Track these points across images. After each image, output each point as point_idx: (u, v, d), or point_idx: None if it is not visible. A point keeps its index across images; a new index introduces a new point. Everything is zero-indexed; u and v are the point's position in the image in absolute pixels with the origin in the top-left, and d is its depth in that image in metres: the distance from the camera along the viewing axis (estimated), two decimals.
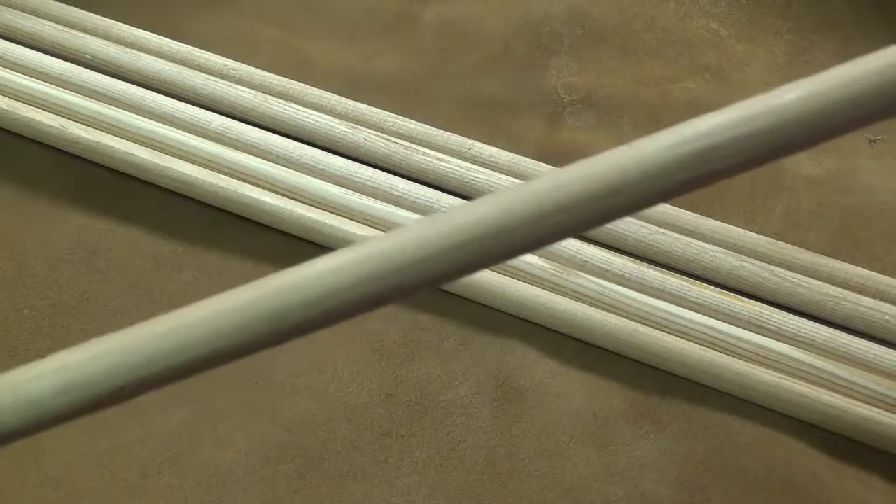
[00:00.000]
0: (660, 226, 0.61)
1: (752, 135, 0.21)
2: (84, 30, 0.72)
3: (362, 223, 0.60)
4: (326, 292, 0.22)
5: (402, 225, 0.59)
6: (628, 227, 0.60)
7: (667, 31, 0.80)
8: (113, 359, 0.22)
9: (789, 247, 0.61)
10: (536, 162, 0.65)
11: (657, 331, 0.56)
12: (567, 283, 0.58)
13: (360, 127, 0.66)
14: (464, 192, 0.63)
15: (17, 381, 0.22)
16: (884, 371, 0.55)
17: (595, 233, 0.61)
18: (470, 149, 0.66)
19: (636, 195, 0.22)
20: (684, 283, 0.58)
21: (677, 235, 0.61)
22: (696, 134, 0.22)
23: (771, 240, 0.61)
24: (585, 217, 0.22)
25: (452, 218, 0.22)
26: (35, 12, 0.73)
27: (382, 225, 0.60)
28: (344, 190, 0.62)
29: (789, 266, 0.60)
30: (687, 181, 0.22)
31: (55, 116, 0.65)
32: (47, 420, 0.22)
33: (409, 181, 0.63)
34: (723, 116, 0.22)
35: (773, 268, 0.59)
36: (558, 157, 0.68)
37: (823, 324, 0.57)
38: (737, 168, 0.22)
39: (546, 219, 0.22)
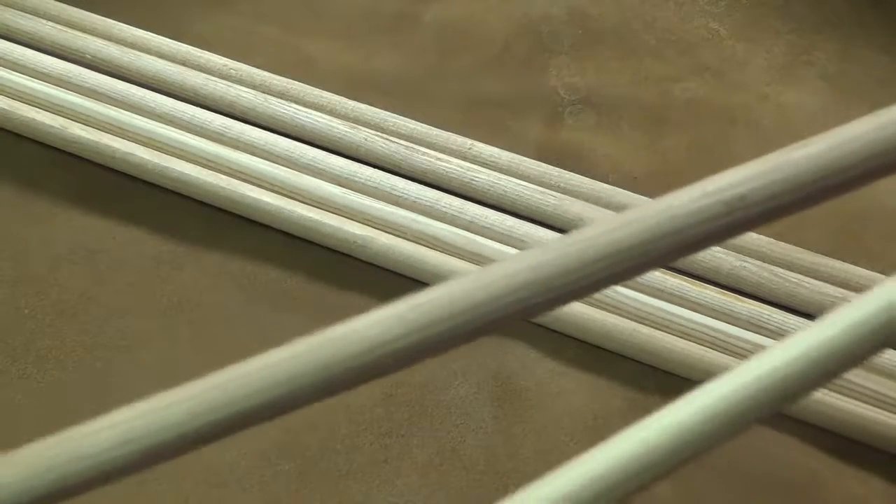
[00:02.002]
0: None
1: (777, 183, 0.24)
2: (84, 30, 0.72)
3: (362, 223, 0.60)
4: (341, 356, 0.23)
5: (402, 225, 0.59)
6: None
7: (667, 31, 0.80)
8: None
9: (789, 247, 0.61)
10: (537, 162, 0.65)
11: (657, 331, 0.56)
12: None
13: (360, 127, 0.66)
14: (464, 193, 0.63)
15: (73, 437, 0.22)
16: (884, 371, 0.55)
17: None
18: (470, 149, 0.66)
19: (670, 246, 0.24)
20: (684, 283, 0.58)
21: None
22: (718, 187, 0.24)
23: (771, 240, 0.61)
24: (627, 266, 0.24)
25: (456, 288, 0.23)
26: (35, 12, 0.73)
27: (382, 225, 0.60)
28: (344, 190, 0.62)
29: (789, 266, 0.60)
30: (714, 231, 0.24)
31: (55, 116, 0.65)
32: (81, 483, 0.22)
33: (409, 181, 0.63)
34: (747, 170, 0.24)
35: (773, 268, 0.59)
36: (558, 157, 0.68)
37: None
38: (760, 220, 0.24)
39: (589, 266, 0.24)
